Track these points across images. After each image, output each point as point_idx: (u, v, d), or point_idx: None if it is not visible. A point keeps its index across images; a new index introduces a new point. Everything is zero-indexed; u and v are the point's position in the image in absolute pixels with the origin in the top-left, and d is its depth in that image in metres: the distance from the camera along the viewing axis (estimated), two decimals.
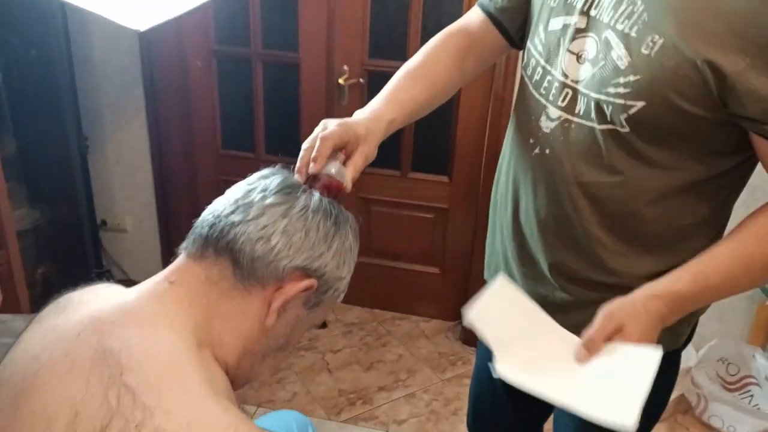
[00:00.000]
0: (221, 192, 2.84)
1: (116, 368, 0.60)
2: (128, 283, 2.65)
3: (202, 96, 2.44)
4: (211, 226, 0.73)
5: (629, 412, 0.76)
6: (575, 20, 0.92)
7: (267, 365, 0.78)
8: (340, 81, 2.28)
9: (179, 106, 2.44)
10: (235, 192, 0.76)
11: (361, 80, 2.29)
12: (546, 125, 0.96)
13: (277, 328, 0.74)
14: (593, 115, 0.89)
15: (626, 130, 0.86)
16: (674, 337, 1.02)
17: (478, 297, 0.91)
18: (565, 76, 0.93)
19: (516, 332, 0.91)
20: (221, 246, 0.71)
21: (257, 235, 0.70)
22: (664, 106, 0.82)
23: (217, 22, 2.33)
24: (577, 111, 0.92)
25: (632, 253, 0.95)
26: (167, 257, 2.73)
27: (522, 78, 1.04)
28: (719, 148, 0.87)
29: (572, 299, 1.02)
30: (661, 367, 1.01)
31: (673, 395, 1.76)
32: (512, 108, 1.09)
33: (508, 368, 0.86)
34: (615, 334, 0.83)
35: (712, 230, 0.97)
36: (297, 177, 0.80)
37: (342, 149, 0.87)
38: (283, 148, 2.49)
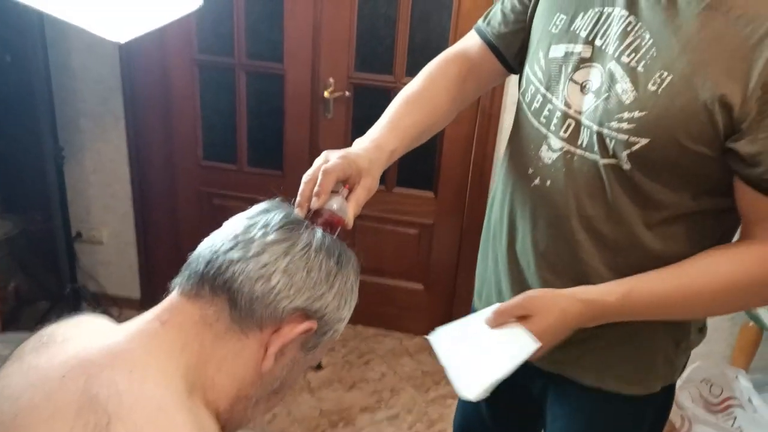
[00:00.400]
0: (202, 204, 2.76)
1: (103, 416, 0.57)
2: (103, 297, 2.56)
3: (184, 106, 2.38)
4: (208, 262, 0.68)
5: (477, 386, 0.82)
6: (579, 49, 0.89)
7: (260, 409, 0.74)
8: (326, 94, 2.24)
9: (160, 115, 2.38)
10: (234, 226, 0.71)
11: (346, 93, 2.25)
12: (547, 156, 0.93)
13: (273, 371, 0.70)
14: (596, 147, 0.86)
15: (628, 166, 0.84)
16: (672, 370, 1.00)
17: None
18: (568, 106, 0.90)
19: (464, 334, 0.95)
20: (218, 284, 0.67)
21: (257, 274, 0.66)
22: (669, 144, 0.80)
23: (200, 30, 2.28)
24: (579, 143, 0.89)
25: None
26: (144, 270, 2.67)
27: (519, 104, 1.01)
28: (720, 188, 0.84)
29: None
30: (658, 402, 0.99)
31: None
32: (509, 135, 1.06)
33: (439, 338, 0.93)
34: (523, 318, 0.86)
35: None
36: (297, 211, 0.77)
37: (345, 183, 0.84)
38: (265, 160, 2.46)
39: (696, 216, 0.86)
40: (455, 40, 2.11)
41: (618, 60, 0.84)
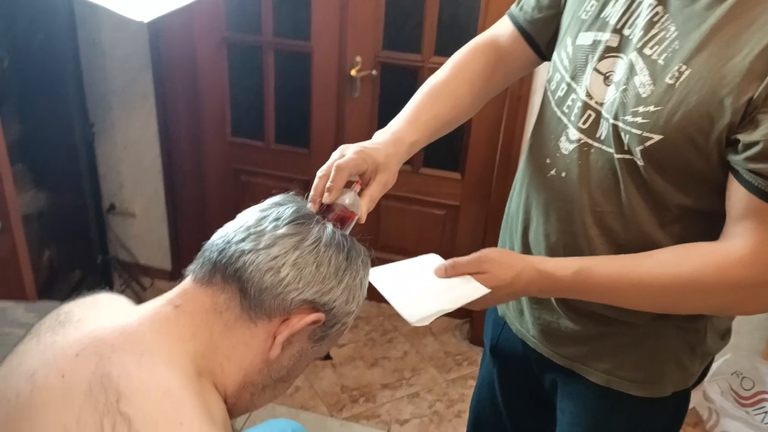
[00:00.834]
0: (229, 180, 2.80)
1: (113, 395, 0.59)
2: (136, 267, 2.63)
3: (212, 83, 2.40)
4: (221, 251, 0.70)
5: (418, 312, 0.83)
6: (607, 37, 0.86)
7: (266, 396, 0.75)
8: (353, 72, 2.21)
9: (188, 92, 2.40)
10: (247, 218, 0.73)
11: (373, 72, 2.23)
12: (565, 147, 0.91)
13: (280, 360, 0.72)
14: (612, 142, 0.84)
15: (642, 163, 0.81)
16: (685, 376, 0.97)
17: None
18: (589, 96, 0.87)
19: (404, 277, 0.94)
20: (229, 273, 0.68)
21: (267, 266, 0.68)
22: (682, 141, 0.77)
23: (228, 8, 2.27)
24: (598, 135, 0.86)
25: None
26: (175, 242, 2.72)
27: (545, 91, 0.99)
28: None
29: (577, 329, 0.98)
30: (669, 407, 0.97)
31: None
32: (535, 122, 1.04)
33: (379, 275, 0.92)
34: (476, 274, 0.86)
35: None
36: (310, 206, 0.78)
37: (359, 178, 0.84)
38: (292, 138, 2.46)
39: (709, 216, 0.83)
40: (485, 20, 2.08)
41: (640, 51, 0.81)
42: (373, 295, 0.84)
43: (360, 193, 0.84)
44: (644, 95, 0.79)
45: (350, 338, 2.42)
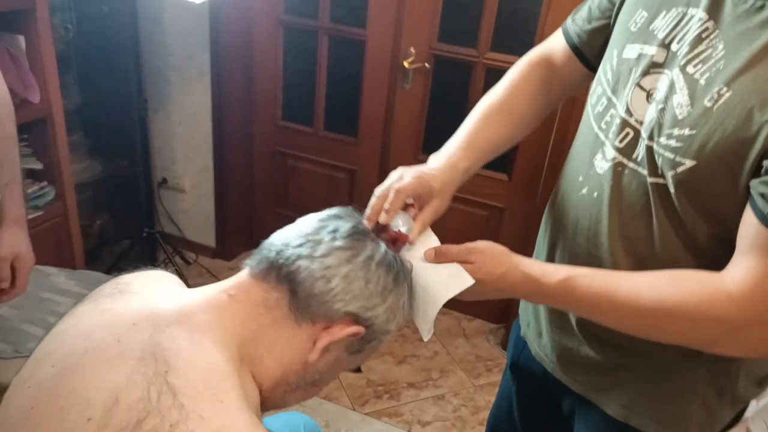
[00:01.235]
0: (276, 164, 2.81)
1: (162, 365, 0.61)
2: (182, 241, 2.68)
3: (266, 65, 2.41)
4: (279, 252, 0.74)
5: (426, 325, 0.84)
6: (653, 51, 0.79)
7: (297, 396, 0.78)
8: (405, 64, 2.17)
9: (243, 73, 2.42)
10: (306, 225, 0.77)
11: (426, 65, 2.18)
12: (600, 165, 0.86)
13: (316, 365, 0.75)
14: (647, 164, 0.78)
15: (673, 189, 0.74)
16: (712, 421, 0.89)
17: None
18: (629, 113, 0.81)
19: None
20: (283, 274, 0.72)
21: (319, 274, 0.72)
22: (715, 169, 0.70)
23: None
24: (634, 156, 0.80)
25: None
26: (220, 220, 2.76)
27: (586, 105, 0.93)
28: None
29: (597, 358, 0.92)
30: None
31: None
32: (575, 136, 0.99)
33: None
34: (463, 263, 0.82)
35: None
36: (365, 223, 0.80)
37: (414, 202, 0.86)
38: (341, 126, 2.45)
39: None
40: (547, 17, 1.99)
41: (683, 69, 0.74)
42: None
43: (413, 217, 0.87)
44: (680, 117, 0.72)
45: None
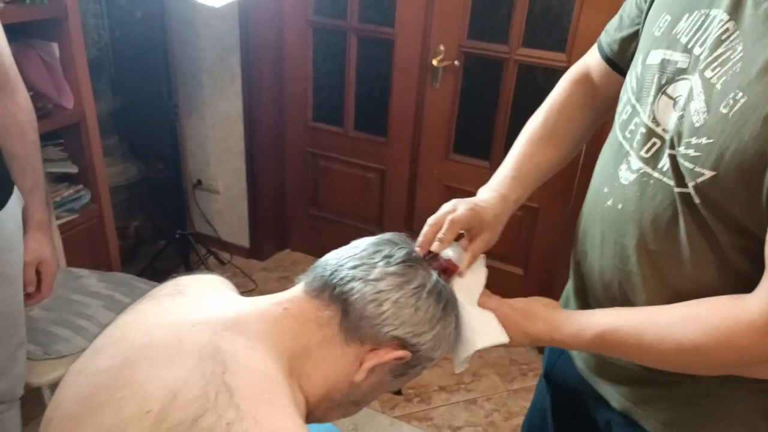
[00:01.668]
0: (308, 165, 2.79)
1: (220, 366, 0.63)
2: (217, 242, 2.71)
3: (296, 67, 2.41)
4: (333, 272, 0.76)
5: (458, 360, 0.86)
6: (678, 57, 0.75)
7: (338, 413, 0.80)
8: (434, 62, 2.14)
9: (273, 75, 2.43)
10: (361, 248, 0.79)
11: (456, 63, 2.14)
12: (625, 176, 0.81)
13: (360, 385, 0.76)
14: (672, 173, 0.73)
15: (697, 200, 0.70)
16: None
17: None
18: (656, 122, 0.77)
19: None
20: (337, 293, 0.74)
21: (371, 297, 0.74)
22: (734, 180, 0.65)
23: None
24: (660, 166, 0.76)
25: None
26: (253, 221, 2.77)
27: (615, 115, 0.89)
28: None
29: (637, 369, 0.88)
30: None
31: None
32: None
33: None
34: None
35: None
36: (418, 250, 0.82)
37: (465, 233, 0.88)
38: (371, 126, 2.43)
39: None
40: (581, 12, 1.92)
41: (702, 73, 0.69)
42: None
43: (464, 248, 0.88)
44: (697, 125, 0.68)
45: None
